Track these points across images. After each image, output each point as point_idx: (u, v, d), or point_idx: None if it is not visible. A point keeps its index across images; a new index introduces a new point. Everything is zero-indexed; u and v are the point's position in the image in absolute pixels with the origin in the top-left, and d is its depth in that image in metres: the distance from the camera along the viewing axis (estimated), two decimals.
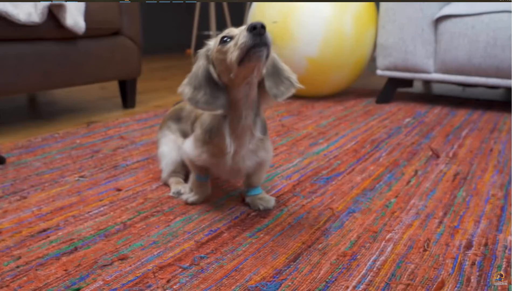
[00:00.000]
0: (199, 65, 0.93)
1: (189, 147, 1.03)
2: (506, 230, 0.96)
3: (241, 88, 0.90)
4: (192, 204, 1.08)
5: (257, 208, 1.06)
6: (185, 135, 1.15)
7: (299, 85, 0.94)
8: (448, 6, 2.04)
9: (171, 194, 1.14)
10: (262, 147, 1.00)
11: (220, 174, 1.07)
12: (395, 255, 0.87)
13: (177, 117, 1.20)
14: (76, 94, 2.51)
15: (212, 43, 0.93)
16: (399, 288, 0.77)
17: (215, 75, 0.91)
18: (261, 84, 0.93)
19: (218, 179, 1.25)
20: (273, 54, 0.92)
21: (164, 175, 1.19)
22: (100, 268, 0.82)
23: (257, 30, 0.81)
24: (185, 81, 0.94)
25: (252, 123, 0.95)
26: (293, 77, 0.94)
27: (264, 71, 0.90)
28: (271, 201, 1.07)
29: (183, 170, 1.20)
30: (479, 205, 1.08)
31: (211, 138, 0.97)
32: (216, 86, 0.91)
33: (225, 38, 0.88)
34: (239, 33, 0.85)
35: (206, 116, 0.99)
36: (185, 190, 1.12)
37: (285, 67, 0.95)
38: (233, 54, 0.84)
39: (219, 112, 0.92)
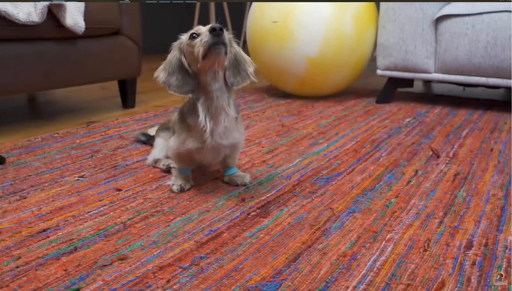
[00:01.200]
0: (173, 54, 1.09)
1: (173, 140, 1.17)
2: (507, 230, 0.96)
3: (208, 75, 1.05)
4: (177, 191, 1.15)
5: (235, 184, 1.20)
6: None
7: (253, 78, 1.11)
8: (448, 6, 2.04)
9: (161, 166, 1.31)
10: (236, 129, 1.13)
11: (203, 159, 1.17)
12: (396, 255, 0.87)
13: (166, 128, 1.37)
14: (76, 94, 2.51)
15: (184, 37, 1.08)
16: (399, 288, 0.77)
17: (186, 64, 1.07)
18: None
19: (218, 180, 1.25)
20: (237, 48, 1.11)
21: (154, 156, 1.34)
22: (100, 268, 0.82)
23: (216, 32, 0.98)
24: (161, 67, 1.10)
25: (226, 103, 1.08)
26: (250, 69, 1.10)
27: (226, 62, 1.05)
28: (246, 176, 1.22)
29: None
30: (480, 205, 1.08)
31: (189, 121, 1.10)
32: (187, 73, 1.07)
33: (194, 34, 1.04)
34: (204, 32, 1.01)
35: (185, 108, 1.13)
36: (174, 166, 1.22)
37: (245, 60, 1.11)
38: (199, 49, 1.00)
39: (188, 95, 1.08)
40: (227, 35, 1.04)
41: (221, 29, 0.99)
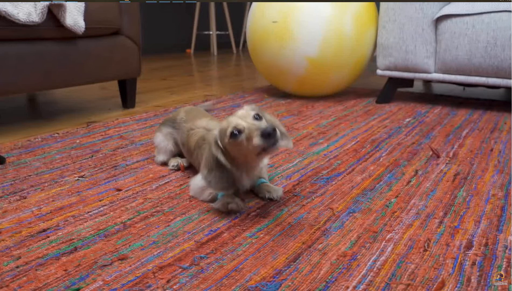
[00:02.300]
0: (212, 151, 1.04)
1: (199, 180, 1.10)
2: (507, 230, 0.96)
3: (241, 167, 1.05)
4: (235, 210, 1.05)
5: (264, 196, 1.12)
6: (175, 142, 1.35)
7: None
8: (448, 6, 2.04)
9: (170, 167, 1.33)
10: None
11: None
12: (396, 255, 0.87)
13: (171, 125, 1.36)
14: (76, 94, 2.51)
15: (217, 133, 1.04)
16: (399, 288, 0.77)
17: (222, 160, 1.02)
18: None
19: None
20: (268, 116, 1.05)
21: (161, 159, 1.36)
22: (100, 268, 0.82)
23: (271, 136, 0.92)
24: (203, 163, 1.08)
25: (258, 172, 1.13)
26: (284, 129, 1.08)
27: None
28: (279, 190, 1.13)
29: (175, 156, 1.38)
30: (480, 205, 1.08)
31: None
32: (224, 169, 1.03)
33: (234, 132, 0.98)
34: (249, 130, 0.95)
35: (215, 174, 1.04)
36: (182, 161, 1.31)
37: (278, 125, 1.05)
38: (251, 148, 0.95)
39: (224, 191, 1.05)
40: (276, 130, 0.95)
41: (274, 130, 0.92)
